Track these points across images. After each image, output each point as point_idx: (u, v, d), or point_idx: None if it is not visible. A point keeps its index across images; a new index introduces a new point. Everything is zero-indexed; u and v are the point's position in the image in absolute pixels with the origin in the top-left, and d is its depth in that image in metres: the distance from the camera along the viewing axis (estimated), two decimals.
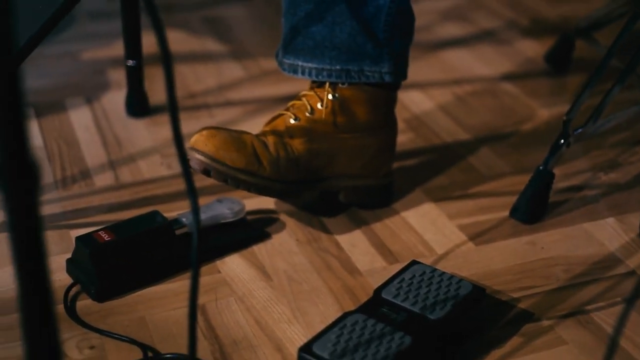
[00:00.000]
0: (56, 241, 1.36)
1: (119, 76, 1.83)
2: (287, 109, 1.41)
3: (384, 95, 1.42)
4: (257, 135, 1.36)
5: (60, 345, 0.73)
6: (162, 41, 0.80)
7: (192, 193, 0.89)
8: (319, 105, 1.39)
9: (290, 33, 1.41)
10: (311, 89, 1.41)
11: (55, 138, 1.64)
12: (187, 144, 1.31)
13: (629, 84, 1.58)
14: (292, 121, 1.38)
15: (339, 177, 1.41)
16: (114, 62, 1.90)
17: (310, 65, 1.39)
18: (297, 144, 1.36)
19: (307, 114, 1.38)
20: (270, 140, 1.35)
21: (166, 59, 0.83)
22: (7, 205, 0.64)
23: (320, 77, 1.39)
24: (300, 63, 1.40)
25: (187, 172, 0.86)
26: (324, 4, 1.36)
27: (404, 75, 1.42)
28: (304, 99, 1.40)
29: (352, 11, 1.35)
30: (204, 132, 1.33)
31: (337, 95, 1.39)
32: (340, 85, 1.39)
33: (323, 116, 1.38)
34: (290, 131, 1.37)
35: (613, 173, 1.57)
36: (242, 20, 2.18)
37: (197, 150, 1.31)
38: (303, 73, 1.40)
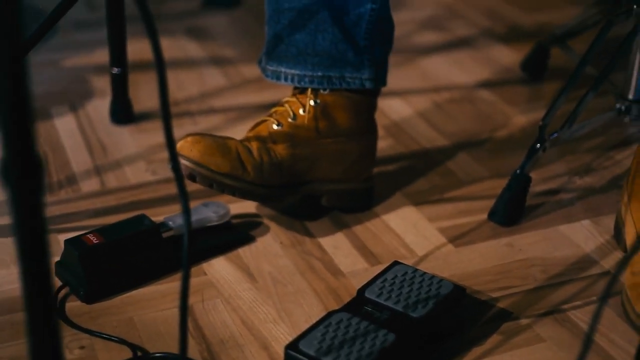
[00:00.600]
0: None
1: (102, 84, 1.86)
2: (270, 115, 1.44)
3: (365, 101, 1.45)
4: (241, 141, 1.40)
5: (62, 343, 0.76)
6: (156, 48, 0.83)
7: (183, 195, 0.92)
8: (301, 111, 1.42)
9: (274, 40, 1.44)
10: (293, 95, 1.45)
11: (41, 145, 1.66)
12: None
13: (603, 91, 1.62)
14: (275, 127, 1.41)
15: (321, 181, 1.44)
16: (97, 69, 1.93)
17: (292, 71, 1.43)
18: (280, 149, 1.40)
19: (290, 120, 1.42)
20: (254, 145, 1.39)
21: (159, 66, 0.86)
22: (13, 203, 0.67)
23: (302, 83, 1.43)
24: (283, 69, 1.44)
25: (178, 173, 0.90)
26: (307, 12, 1.40)
27: (383, 82, 1.46)
28: (286, 105, 1.44)
29: (334, 19, 1.39)
30: (189, 139, 1.36)
31: (318, 101, 1.42)
32: (321, 91, 1.43)
33: (305, 122, 1.42)
34: (273, 137, 1.40)
35: (588, 177, 1.61)
36: (224, 30, 2.21)
37: (183, 156, 1.34)
38: (286, 79, 1.44)
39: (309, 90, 1.43)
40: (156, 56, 0.85)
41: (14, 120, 0.65)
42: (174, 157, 0.91)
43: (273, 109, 1.45)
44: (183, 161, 1.34)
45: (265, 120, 1.44)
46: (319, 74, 1.42)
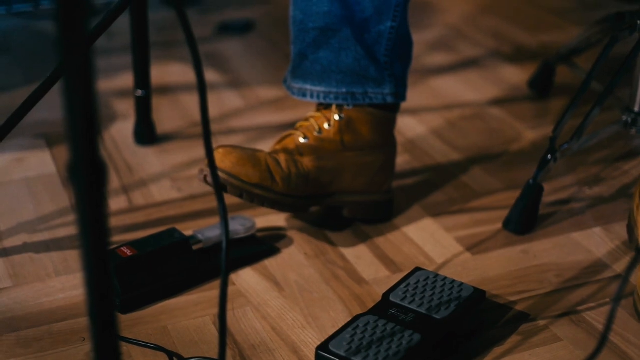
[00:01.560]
0: (79, 260, 1.44)
1: (125, 107, 1.92)
2: (296, 129, 1.50)
3: (386, 116, 1.52)
4: (269, 153, 1.46)
5: (120, 346, 0.81)
6: (198, 69, 0.89)
7: (221, 202, 0.98)
8: (326, 125, 1.48)
9: (299, 59, 1.51)
10: (318, 110, 1.51)
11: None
12: (204, 162, 1.40)
13: (610, 105, 1.69)
14: (301, 140, 1.48)
15: (344, 192, 1.50)
16: (119, 94, 2.00)
17: (318, 89, 1.49)
18: (307, 162, 1.46)
19: (316, 134, 1.48)
20: (282, 157, 1.45)
21: (201, 86, 0.92)
22: (79, 199, 0.73)
23: (327, 99, 1.49)
24: (308, 87, 1.50)
25: (217, 187, 0.96)
26: (330, 30, 1.46)
27: (403, 97, 1.52)
28: (311, 119, 1.50)
29: (356, 37, 1.46)
30: (221, 150, 1.42)
31: (343, 116, 1.48)
32: (345, 107, 1.49)
33: (331, 135, 1.48)
34: (300, 149, 1.47)
35: (597, 187, 1.67)
36: (239, 54, 2.28)
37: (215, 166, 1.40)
38: (312, 96, 1.50)
39: (334, 105, 1.49)
40: (197, 74, 0.91)
41: (82, 123, 0.71)
42: (213, 170, 0.96)
43: (298, 124, 1.51)
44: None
45: (291, 134, 1.50)
46: (344, 90, 1.48)
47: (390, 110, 1.52)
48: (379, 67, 1.48)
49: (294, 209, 1.46)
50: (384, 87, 1.49)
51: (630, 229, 1.46)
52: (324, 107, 1.51)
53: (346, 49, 1.47)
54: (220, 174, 1.39)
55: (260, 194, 1.42)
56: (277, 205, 1.44)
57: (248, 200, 1.42)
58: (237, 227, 1.46)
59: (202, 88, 0.94)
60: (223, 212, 1.00)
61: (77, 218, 0.75)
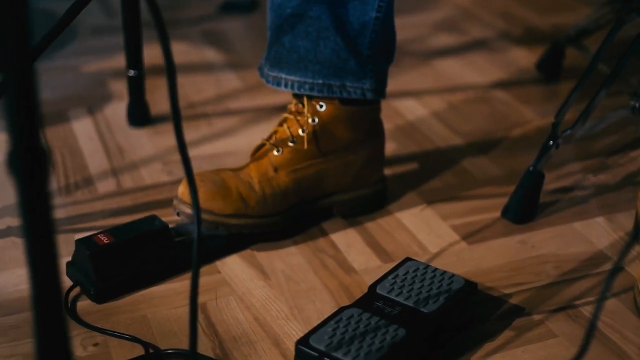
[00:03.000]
0: (60, 245, 1.40)
1: (120, 88, 1.88)
2: (269, 138, 1.44)
3: (364, 112, 1.45)
4: (240, 173, 1.40)
5: (69, 339, 0.76)
6: (167, 52, 0.84)
7: (194, 193, 0.93)
8: (300, 132, 1.42)
9: (275, 46, 1.44)
10: (290, 112, 1.44)
11: (59, 147, 1.68)
12: (174, 195, 1.37)
13: (618, 90, 1.62)
14: (275, 153, 1.42)
15: (329, 194, 1.45)
16: (115, 74, 1.95)
17: (293, 78, 1.43)
18: (283, 176, 1.40)
19: (290, 144, 1.42)
20: (254, 177, 1.39)
21: (170, 69, 0.87)
22: (20, 191, 0.68)
23: (302, 90, 1.42)
24: (283, 76, 1.44)
25: (189, 170, 0.91)
26: (309, 18, 1.39)
27: (383, 94, 1.45)
28: (284, 124, 1.43)
29: (337, 27, 1.39)
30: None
31: (317, 119, 1.42)
32: (318, 108, 1.42)
33: (305, 144, 1.41)
34: (274, 164, 1.41)
35: (602, 174, 1.61)
36: (240, 34, 2.23)
37: (185, 203, 1.35)
38: (286, 86, 1.44)
39: (307, 106, 1.42)
40: (167, 63, 0.86)
41: (19, 108, 0.66)
42: (185, 159, 0.91)
43: (273, 129, 1.45)
44: (185, 209, 1.34)
45: (264, 145, 1.43)
46: (320, 81, 1.41)
47: (368, 106, 1.45)
48: (360, 60, 1.41)
49: (277, 226, 1.41)
50: (364, 82, 1.42)
51: (637, 224, 1.39)
52: (297, 101, 1.44)
53: (325, 39, 1.40)
54: (190, 210, 1.34)
55: (237, 223, 1.37)
56: (256, 228, 1.39)
57: (226, 232, 1.37)
58: None
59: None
60: (196, 203, 0.95)
61: (18, 210, 0.70)
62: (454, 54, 2.12)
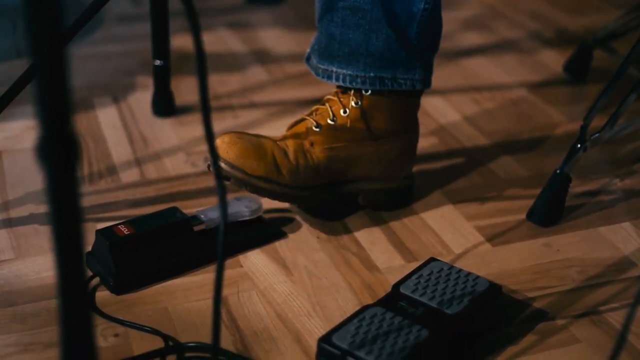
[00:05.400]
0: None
1: (145, 77, 1.87)
2: (310, 114, 1.43)
3: (407, 103, 1.45)
4: (277, 142, 1.39)
5: (94, 331, 0.76)
6: (198, 43, 0.84)
7: (221, 188, 0.92)
8: (341, 112, 1.41)
9: (326, 39, 1.43)
10: (335, 94, 1.44)
11: (82, 135, 1.68)
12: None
13: None
14: (313, 128, 1.41)
15: (358, 180, 1.44)
16: (141, 63, 1.95)
17: (344, 71, 1.42)
18: (318, 152, 1.39)
19: (329, 121, 1.41)
20: (290, 147, 1.38)
21: (200, 60, 0.86)
22: (49, 179, 0.68)
23: (354, 83, 1.41)
24: (334, 69, 1.43)
25: (216, 167, 0.90)
26: (360, 11, 1.38)
27: (429, 83, 1.45)
28: (327, 104, 1.43)
29: (388, 18, 1.38)
30: (226, 139, 1.36)
31: (360, 102, 1.41)
32: (364, 92, 1.42)
33: (345, 124, 1.41)
34: (311, 139, 1.40)
35: (629, 179, 1.59)
36: (267, 26, 2.22)
37: (218, 156, 1.34)
38: (337, 79, 1.43)
39: (352, 91, 1.42)
40: (198, 53, 0.85)
41: (51, 94, 0.65)
42: (213, 153, 0.91)
43: (314, 107, 1.44)
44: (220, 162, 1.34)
45: (304, 120, 1.43)
46: (372, 74, 1.40)
47: (413, 96, 1.45)
48: (410, 50, 1.40)
49: (303, 201, 1.41)
50: (414, 73, 1.41)
51: None
52: (342, 90, 1.44)
53: (377, 31, 1.39)
54: (224, 165, 1.33)
55: (265, 187, 1.36)
56: (283, 197, 1.38)
57: (252, 192, 1.36)
58: (242, 208, 1.40)
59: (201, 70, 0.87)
60: (222, 198, 0.94)
61: (46, 197, 0.69)
62: (482, 53, 2.10)
